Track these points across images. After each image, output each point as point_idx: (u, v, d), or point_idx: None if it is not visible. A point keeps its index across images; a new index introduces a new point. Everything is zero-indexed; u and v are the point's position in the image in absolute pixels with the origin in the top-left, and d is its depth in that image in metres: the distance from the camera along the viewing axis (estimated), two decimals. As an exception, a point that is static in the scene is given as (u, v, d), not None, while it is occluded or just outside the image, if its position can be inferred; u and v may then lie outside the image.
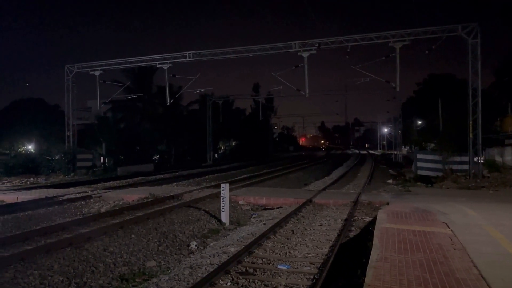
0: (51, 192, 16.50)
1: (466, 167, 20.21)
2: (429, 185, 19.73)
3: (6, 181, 23.43)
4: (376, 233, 7.81)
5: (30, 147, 39.36)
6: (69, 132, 29.26)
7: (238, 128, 59.24)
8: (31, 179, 24.77)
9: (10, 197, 15.29)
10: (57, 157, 29.04)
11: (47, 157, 28.93)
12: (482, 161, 21.03)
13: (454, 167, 20.88)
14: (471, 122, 19.73)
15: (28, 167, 27.54)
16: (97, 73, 27.65)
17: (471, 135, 19.69)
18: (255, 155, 56.36)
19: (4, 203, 14.07)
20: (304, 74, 23.18)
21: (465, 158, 20.26)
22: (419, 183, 20.57)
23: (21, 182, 23.45)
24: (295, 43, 23.00)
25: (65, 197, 14.78)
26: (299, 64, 23.36)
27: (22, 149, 39.47)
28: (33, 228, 10.01)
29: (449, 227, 8.41)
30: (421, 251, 6.55)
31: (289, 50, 23.25)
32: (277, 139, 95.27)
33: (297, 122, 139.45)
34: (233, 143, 63.41)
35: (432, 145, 27.28)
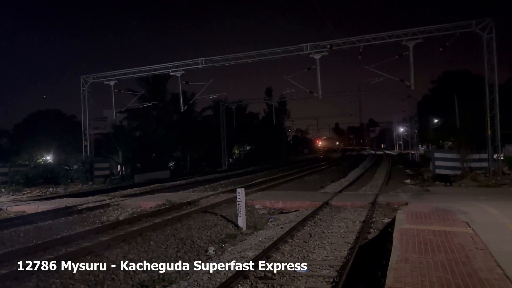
0: (70, 201, 16.76)
1: (485, 164, 19.83)
2: (448, 184, 19.42)
3: (26, 192, 23.91)
4: (395, 234, 7.70)
5: (49, 158, 40.09)
6: (86, 142, 29.76)
7: (252, 133, 59.29)
8: (51, 189, 25.24)
9: (31, 208, 15.57)
10: (75, 167, 29.62)
11: (66, 167, 29.51)
12: (501, 158, 20.60)
13: (473, 165, 20.51)
14: (489, 119, 19.37)
15: (47, 178, 28.12)
16: (112, 83, 28.15)
17: (489, 132, 19.33)
18: (270, 159, 56.26)
19: (25, 214, 14.37)
20: (316, 76, 23.14)
21: (484, 156, 19.88)
22: (437, 182, 20.26)
23: (41, 192, 23.89)
24: (307, 45, 22.98)
25: (84, 206, 14.99)
26: (311, 66, 23.33)
27: (41, 160, 40.21)
28: (53, 237, 10.16)
29: (470, 226, 8.25)
30: (442, 251, 6.43)
31: (300, 53, 23.25)
32: (291, 142, 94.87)
33: (311, 124, 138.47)
34: (248, 148, 63.45)
35: (450, 143, 26.86)
